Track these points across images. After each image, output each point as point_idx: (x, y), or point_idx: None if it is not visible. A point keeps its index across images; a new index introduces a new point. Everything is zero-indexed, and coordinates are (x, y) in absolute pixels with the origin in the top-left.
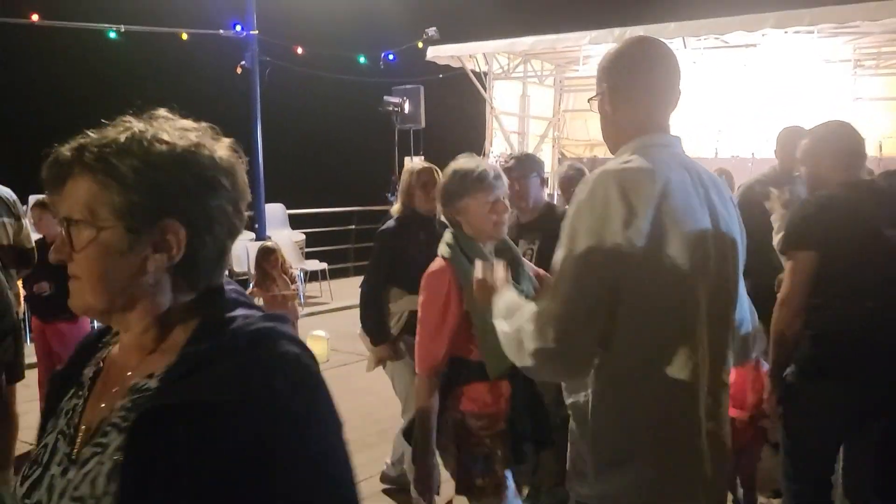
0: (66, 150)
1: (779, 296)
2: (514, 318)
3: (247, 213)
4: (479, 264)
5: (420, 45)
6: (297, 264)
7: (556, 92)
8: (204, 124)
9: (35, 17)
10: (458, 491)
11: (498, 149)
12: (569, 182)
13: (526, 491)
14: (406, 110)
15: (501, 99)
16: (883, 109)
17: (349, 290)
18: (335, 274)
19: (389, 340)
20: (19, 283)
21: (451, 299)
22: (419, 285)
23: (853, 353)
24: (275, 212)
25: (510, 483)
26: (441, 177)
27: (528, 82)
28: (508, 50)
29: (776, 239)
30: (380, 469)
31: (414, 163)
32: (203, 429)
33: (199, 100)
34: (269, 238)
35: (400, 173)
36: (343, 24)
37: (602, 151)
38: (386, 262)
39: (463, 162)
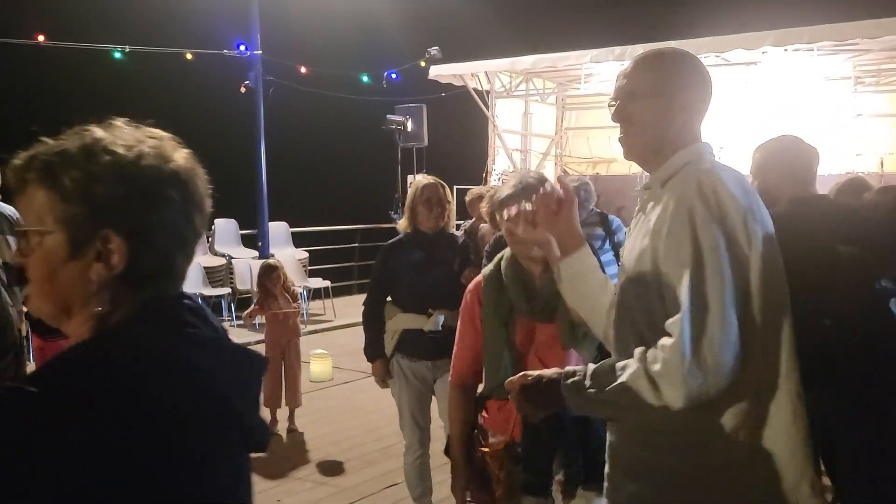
0: (20, 158)
1: None
2: (615, 371)
3: (250, 231)
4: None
5: (422, 64)
6: (301, 282)
7: (558, 110)
8: (164, 134)
9: (40, 38)
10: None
11: (500, 166)
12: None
13: None
14: (409, 129)
15: (504, 117)
16: (884, 126)
17: (352, 307)
18: (339, 292)
19: (381, 358)
20: (23, 300)
21: (474, 314)
22: (412, 303)
23: (811, 372)
24: (278, 230)
25: None
26: (448, 193)
27: (530, 100)
28: (510, 68)
29: None
30: (382, 486)
31: (419, 178)
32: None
33: (203, 119)
34: (273, 256)
35: (403, 191)
36: (346, 43)
37: (604, 168)
38: (380, 279)
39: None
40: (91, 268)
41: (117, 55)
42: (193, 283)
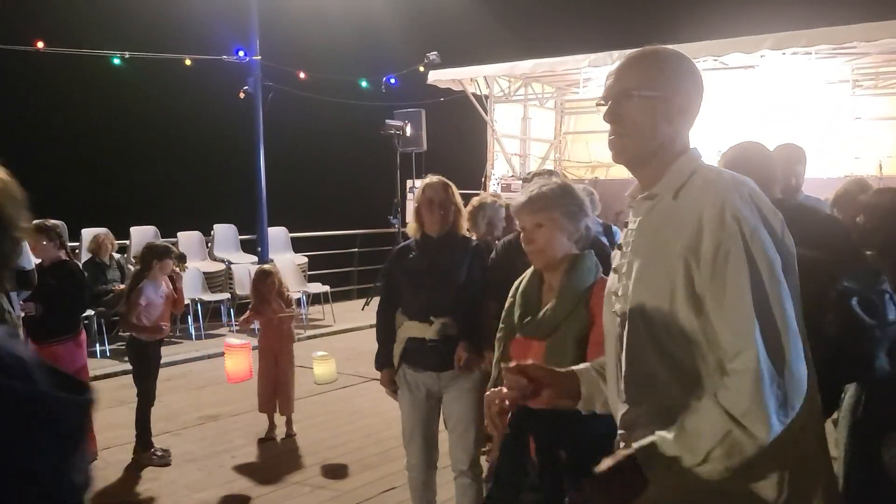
0: None
1: None
2: (690, 430)
3: (249, 237)
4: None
5: (421, 69)
6: (300, 287)
7: (556, 114)
8: None
9: (40, 45)
10: None
11: (499, 171)
12: None
13: None
14: (408, 133)
15: (502, 122)
16: (883, 129)
17: (352, 312)
18: (338, 297)
19: (387, 368)
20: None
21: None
22: (414, 311)
23: None
24: (277, 235)
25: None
26: (454, 193)
27: (528, 105)
28: (509, 73)
29: None
30: (380, 490)
31: (427, 178)
32: None
33: (202, 125)
34: (272, 261)
35: (402, 196)
36: (345, 48)
37: (603, 173)
38: (386, 286)
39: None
40: None
41: (117, 61)
42: (193, 289)
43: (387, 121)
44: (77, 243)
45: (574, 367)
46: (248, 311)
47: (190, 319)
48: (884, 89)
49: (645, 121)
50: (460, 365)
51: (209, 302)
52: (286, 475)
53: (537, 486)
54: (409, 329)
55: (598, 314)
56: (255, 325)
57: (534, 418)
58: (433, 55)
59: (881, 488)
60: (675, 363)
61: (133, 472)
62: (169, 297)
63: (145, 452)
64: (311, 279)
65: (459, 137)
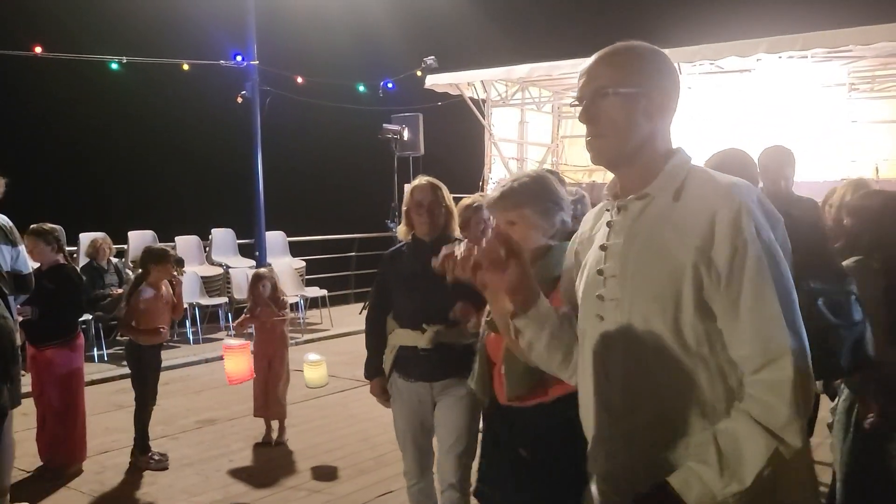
0: None
1: None
2: (728, 453)
3: (247, 241)
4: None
5: (419, 73)
6: (298, 291)
7: (554, 118)
8: None
9: (38, 50)
10: None
11: (497, 175)
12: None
13: None
14: (405, 138)
15: (500, 125)
16: (879, 132)
17: (349, 316)
18: (335, 301)
19: (378, 377)
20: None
21: None
22: (405, 318)
23: None
24: (275, 239)
25: None
26: (445, 195)
27: (525, 109)
28: (506, 77)
29: None
30: (376, 494)
31: (415, 180)
32: None
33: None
34: (269, 265)
35: (400, 200)
36: (342, 53)
37: (601, 177)
38: (377, 292)
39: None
40: None
41: (114, 66)
42: (191, 293)
43: (384, 125)
44: (75, 248)
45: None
46: (244, 315)
47: (188, 323)
48: (880, 92)
49: (623, 119)
50: (455, 315)
51: (207, 306)
52: (282, 479)
53: (523, 486)
54: (401, 337)
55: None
56: (252, 328)
57: (499, 419)
58: (430, 59)
59: (878, 491)
60: (678, 371)
61: (130, 475)
62: (168, 302)
63: (143, 456)
64: (308, 283)
65: (457, 141)
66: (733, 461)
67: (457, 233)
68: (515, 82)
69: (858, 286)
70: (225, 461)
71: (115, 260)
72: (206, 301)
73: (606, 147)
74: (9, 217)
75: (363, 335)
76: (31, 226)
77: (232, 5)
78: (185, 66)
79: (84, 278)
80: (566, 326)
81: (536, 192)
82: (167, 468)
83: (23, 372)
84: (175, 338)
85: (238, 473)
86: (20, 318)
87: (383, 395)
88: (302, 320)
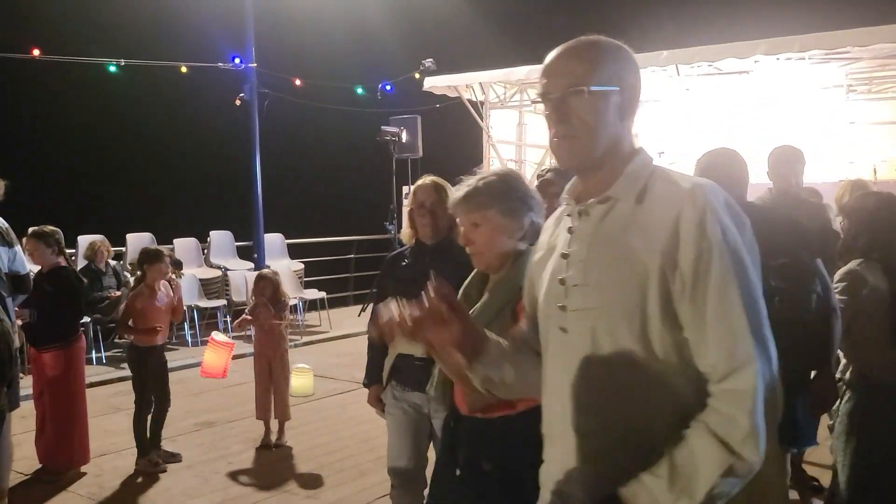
0: None
1: None
2: (682, 469)
3: (246, 243)
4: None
5: (417, 75)
6: (296, 293)
7: None
8: None
9: (36, 52)
10: None
11: None
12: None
13: None
14: (403, 140)
15: (498, 128)
16: (877, 133)
17: (348, 318)
18: (334, 303)
19: (375, 385)
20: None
21: None
22: None
23: None
24: (274, 241)
25: None
26: (448, 197)
27: (524, 111)
28: (504, 79)
29: None
30: (376, 496)
31: (420, 180)
32: None
33: (198, 132)
34: (269, 268)
35: (398, 202)
36: (340, 55)
37: None
38: (378, 296)
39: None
40: None
41: (112, 69)
42: (189, 295)
43: (383, 127)
44: (73, 250)
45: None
46: (243, 315)
47: (186, 326)
48: (878, 94)
49: (595, 119)
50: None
51: (205, 308)
52: (281, 481)
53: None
54: (399, 344)
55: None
56: (251, 330)
57: (460, 430)
58: (429, 62)
59: (886, 491)
60: (648, 384)
61: (129, 478)
62: (167, 304)
63: (142, 459)
64: (307, 285)
65: (455, 144)
66: (685, 475)
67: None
68: (514, 84)
69: (860, 287)
70: (224, 463)
71: (113, 262)
72: (205, 303)
73: (579, 148)
74: (7, 219)
75: (362, 337)
76: (32, 228)
77: (230, 8)
78: (184, 69)
79: (85, 281)
80: (526, 350)
81: (503, 192)
82: (165, 470)
83: (21, 374)
84: (174, 340)
85: (237, 475)
86: (19, 321)
87: (379, 405)
88: (301, 323)
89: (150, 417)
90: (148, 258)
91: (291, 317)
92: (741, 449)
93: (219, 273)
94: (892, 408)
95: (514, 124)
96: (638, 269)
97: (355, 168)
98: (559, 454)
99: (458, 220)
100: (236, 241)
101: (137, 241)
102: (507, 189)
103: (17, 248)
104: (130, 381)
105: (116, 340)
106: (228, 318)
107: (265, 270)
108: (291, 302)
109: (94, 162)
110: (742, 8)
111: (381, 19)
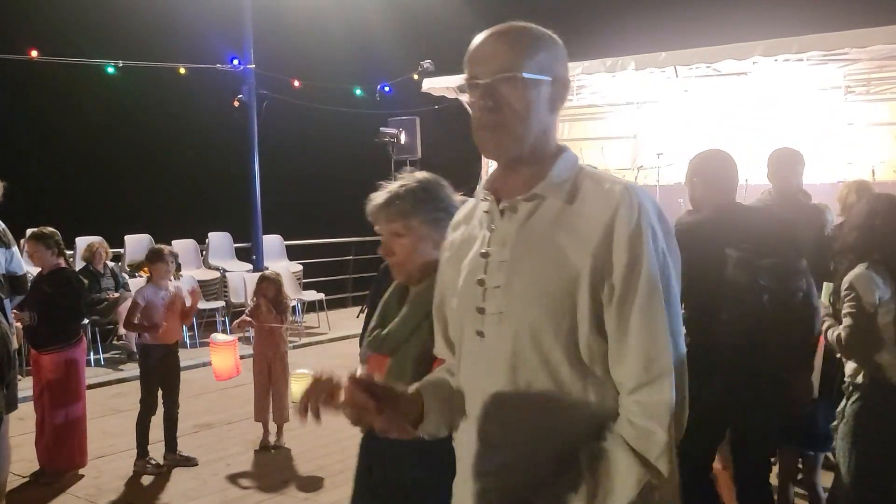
0: None
1: None
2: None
3: (244, 245)
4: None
5: (415, 77)
6: (295, 295)
7: None
8: None
9: (34, 54)
10: None
11: None
12: None
13: None
14: (402, 141)
15: None
16: (876, 135)
17: (347, 320)
18: (333, 304)
19: None
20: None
21: None
22: None
23: (711, 359)
24: (272, 243)
25: None
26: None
27: None
28: None
29: None
30: None
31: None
32: None
33: (197, 133)
34: (268, 269)
35: None
36: (339, 57)
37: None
38: (371, 303)
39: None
40: None
41: (110, 70)
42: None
43: (381, 129)
44: (71, 251)
45: (420, 385)
46: (243, 316)
47: (185, 327)
48: (876, 95)
49: (527, 108)
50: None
51: (204, 310)
52: (280, 483)
53: None
54: None
55: None
56: (250, 332)
57: (377, 449)
58: (427, 63)
59: (885, 496)
60: (569, 393)
61: (127, 480)
62: (175, 304)
63: (140, 460)
64: (306, 287)
65: (454, 145)
66: (602, 490)
67: None
68: None
69: (870, 291)
70: (223, 465)
71: (111, 264)
72: (203, 305)
73: (508, 140)
74: (5, 220)
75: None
76: (31, 229)
77: (228, 9)
78: (182, 70)
79: (85, 282)
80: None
81: (424, 200)
82: (163, 472)
83: (20, 376)
84: None
85: (235, 477)
86: (18, 324)
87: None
88: (300, 324)
89: (163, 420)
90: (148, 257)
91: (292, 318)
92: (658, 463)
93: (217, 274)
94: None
95: None
96: (568, 272)
97: (354, 170)
98: (473, 466)
99: (376, 228)
100: (235, 242)
101: (136, 242)
102: (429, 197)
103: (14, 249)
104: (129, 383)
105: (115, 342)
106: (227, 320)
107: (267, 272)
108: (290, 303)
109: (92, 163)
110: (740, 9)
111: (379, 20)
